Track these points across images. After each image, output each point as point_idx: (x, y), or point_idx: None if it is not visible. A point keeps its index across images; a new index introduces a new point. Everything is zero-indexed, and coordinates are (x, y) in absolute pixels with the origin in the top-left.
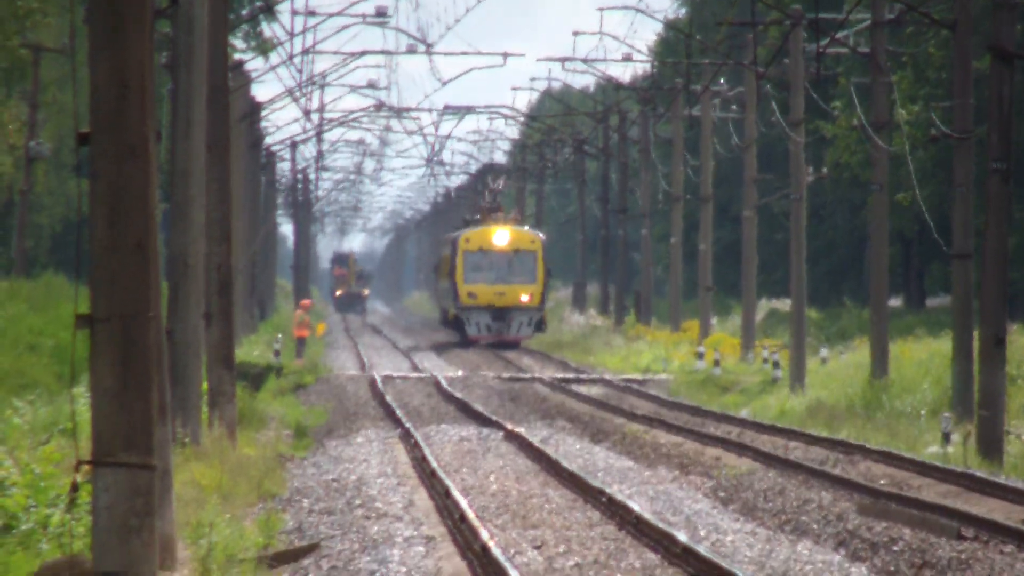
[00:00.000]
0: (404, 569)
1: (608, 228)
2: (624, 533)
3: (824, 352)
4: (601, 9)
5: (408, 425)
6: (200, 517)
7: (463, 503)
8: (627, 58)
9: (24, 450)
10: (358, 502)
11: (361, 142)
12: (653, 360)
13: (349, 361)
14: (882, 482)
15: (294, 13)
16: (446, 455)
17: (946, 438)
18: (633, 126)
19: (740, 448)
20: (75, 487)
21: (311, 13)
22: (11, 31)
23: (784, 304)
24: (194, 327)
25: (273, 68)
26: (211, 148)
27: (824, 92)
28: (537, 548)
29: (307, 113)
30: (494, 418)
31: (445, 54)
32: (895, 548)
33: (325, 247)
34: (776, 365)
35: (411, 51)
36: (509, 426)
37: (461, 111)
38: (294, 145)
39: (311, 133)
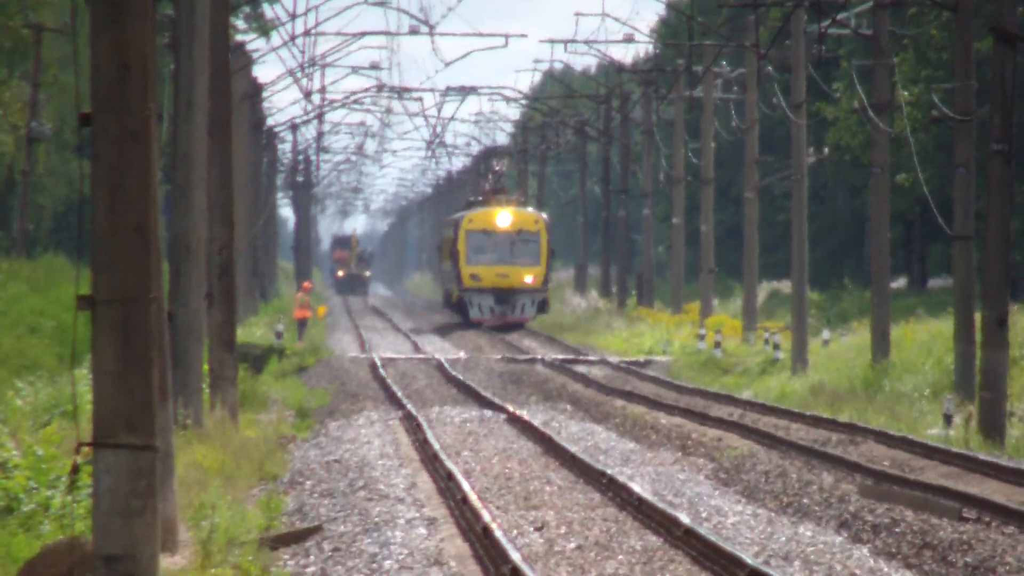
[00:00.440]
0: (406, 551)
1: (610, 210)
2: (625, 515)
3: (825, 334)
4: None
5: (410, 407)
6: (202, 499)
7: (465, 485)
8: (629, 39)
9: (25, 432)
10: (360, 484)
11: (362, 123)
12: (655, 342)
13: (351, 343)
14: (884, 464)
15: None
16: (448, 437)
17: (948, 420)
18: (635, 108)
19: (742, 430)
20: (76, 469)
21: None
22: (13, 11)
23: (785, 286)
24: (196, 309)
25: (274, 49)
26: (212, 130)
27: (826, 74)
28: (539, 530)
29: (308, 94)
30: (496, 400)
31: (447, 35)
32: (897, 530)
33: (326, 229)
34: (777, 347)
35: (413, 32)
36: (511, 408)
37: (463, 92)
38: (295, 127)
39: (312, 114)
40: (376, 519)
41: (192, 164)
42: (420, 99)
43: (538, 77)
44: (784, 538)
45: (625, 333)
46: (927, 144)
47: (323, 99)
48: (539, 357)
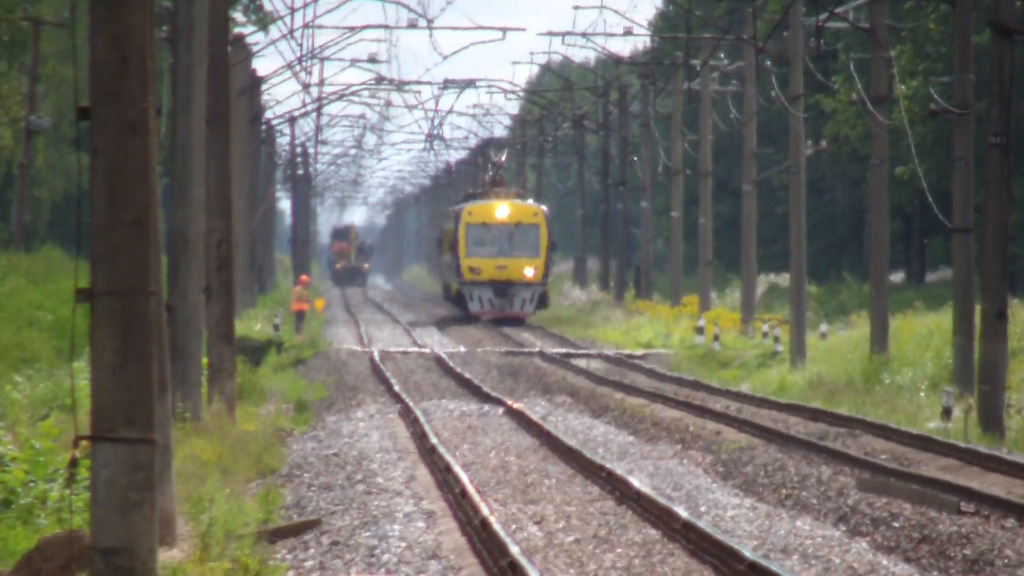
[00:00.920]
0: (404, 544)
1: (608, 203)
2: (624, 508)
3: (824, 327)
4: None
5: (408, 400)
6: (200, 492)
7: (463, 478)
8: (627, 32)
9: (23, 425)
10: (358, 477)
11: (361, 116)
12: (653, 335)
13: (349, 336)
14: (882, 457)
15: None
16: (446, 430)
17: (947, 413)
18: (633, 100)
19: (740, 423)
20: (74, 462)
21: None
22: (12, 4)
23: (784, 279)
24: (194, 302)
25: (273, 42)
26: (211, 123)
27: (824, 67)
28: (537, 523)
29: (307, 87)
30: (494, 393)
31: (445, 28)
32: (895, 523)
33: (324, 222)
34: (776, 340)
35: (412, 25)
36: (509, 401)
37: (461, 85)
38: (293, 119)
39: (311, 107)
40: (374, 512)
41: (191, 157)
42: (418, 92)
43: (536, 70)
44: (783, 531)
45: (624, 326)
46: (925, 137)
47: (321, 92)
48: (537, 350)
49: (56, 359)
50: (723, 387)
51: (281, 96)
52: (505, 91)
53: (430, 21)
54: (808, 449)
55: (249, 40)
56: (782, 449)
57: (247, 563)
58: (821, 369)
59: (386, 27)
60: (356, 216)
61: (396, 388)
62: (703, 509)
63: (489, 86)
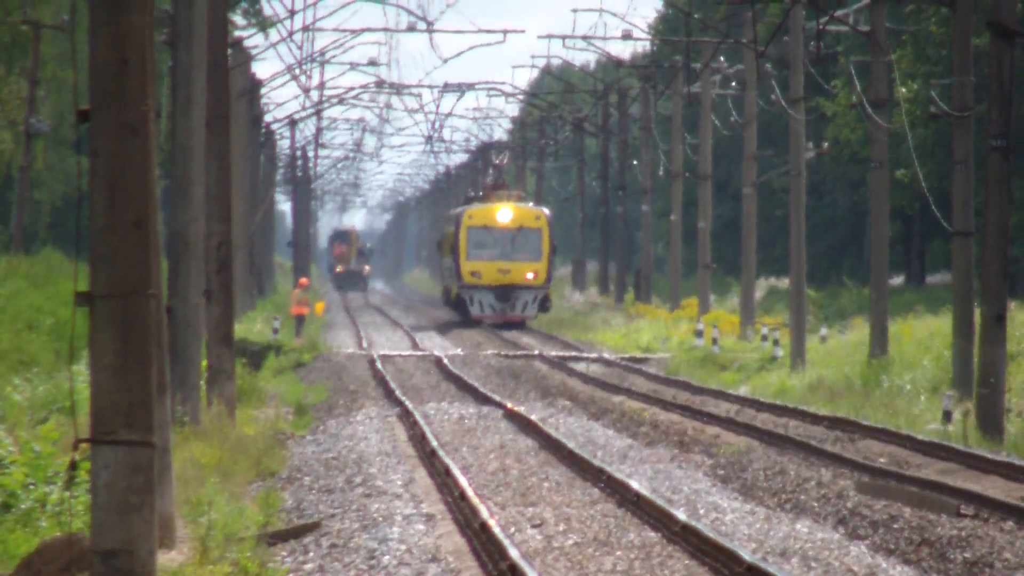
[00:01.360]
0: (404, 547)
1: (608, 206)
2: (624, 511)
3: (824, 330)
4: None
5: (408, 403)
6: (199, 495)
7: (463, 481)
8: (627, 35)
9: (23, 428)
10: (358, 480)
11: (361, 119)
12: (652, 338)
13: (349, 339)
14: (882, 460)
15: None
16: (446, 433)
17: (946, 416)
18: (633, 103)
19: (739, 426)
20: (73, 465)
21: None
22: (11, 7)
23: (783, 282)
24: (194, 305)
25: (273, 45)
26: (211, 125)
27: (824, 70)
28: (537, 526)
29: (307, 90)
30: (494, 396)
31: (445, 31)
32: (895, 526)
33: (325, 225)
34: (776, 343)
35: (411, 28)
36: (509, 404)
37: (461, 88)
38: (293, 122)
39: (311, 110)
40: (374, 515)
41: (190, 159)
42: (418, 95)
43: (536, 73)
44: (782, 534)
45: (623, 329)
46: (926, 140)
47: (321, 95)
48: (537, 353)
49: (56, 362)
50: (722, 390)
51: (281, 99)
52: (505, 94)
53: (430, 24)
54: (807, 452)
55: (249, 43)
56: (781, 452)
57: (247, 566)
58: (821, 372)
59: (386, 30)
60: (356, 219)
61: (396, 391)
62: (702, 512)
63: (489, 89)
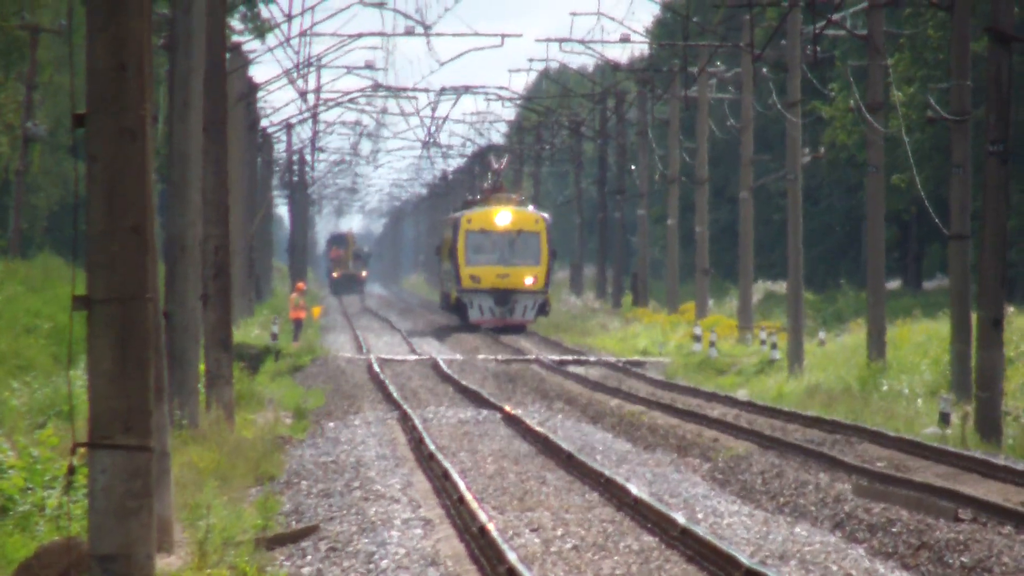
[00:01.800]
0: (402, 551)
1: (605, 210)
2: (622, 515)
3: (822, 334)
4: None
5: (406, 407)
6: (198, 499)
7: (461, 485)
8: (625, 39)
9: (21, 432)
10: (356, 484)
11: (358, 123)
12: (650, 342)
13: (347, 343)
14: (880, 464)
15: None
16: (444, 437)
17: (944, 419)
18: (630, 108)
19: (738, 430)
20: (72, 470)
21: None
22: (9, 12)
23: (780, 286)
24: (191, 309)
25: (270, 49)
26: (208, 130)
27: (821, 74)
28: (535, 530)
29: (303, 94)
30: (492, 400)
31: (443, 35)
32: (892, 530)
33: (322, 229)
34: (774, 347)
35: (409, 32)
36: (507, 408)
37: (458, 92)
38: (290, 126)
39: (307, 114)
40: (372, 519)
41: (188, 164)
42: (415, 99)
43: (533, 77)
44: (780, 538)
45: (621, 333)
46: (923, 144)
47: (318, 99)
48: (535, 357)
49: (54, 366)
50: (720, 394)
51: (278, 103)
52: (502, 98)
53: (427, 28)
54: (806, 456)
55: (246, 48)
56: (779, 456)
57: (245, 570)
58: (819, 376)
59: (383, 34)
60: (353, 224)
61: (394, 395)
62: (701, 516)
63: (486, 93)
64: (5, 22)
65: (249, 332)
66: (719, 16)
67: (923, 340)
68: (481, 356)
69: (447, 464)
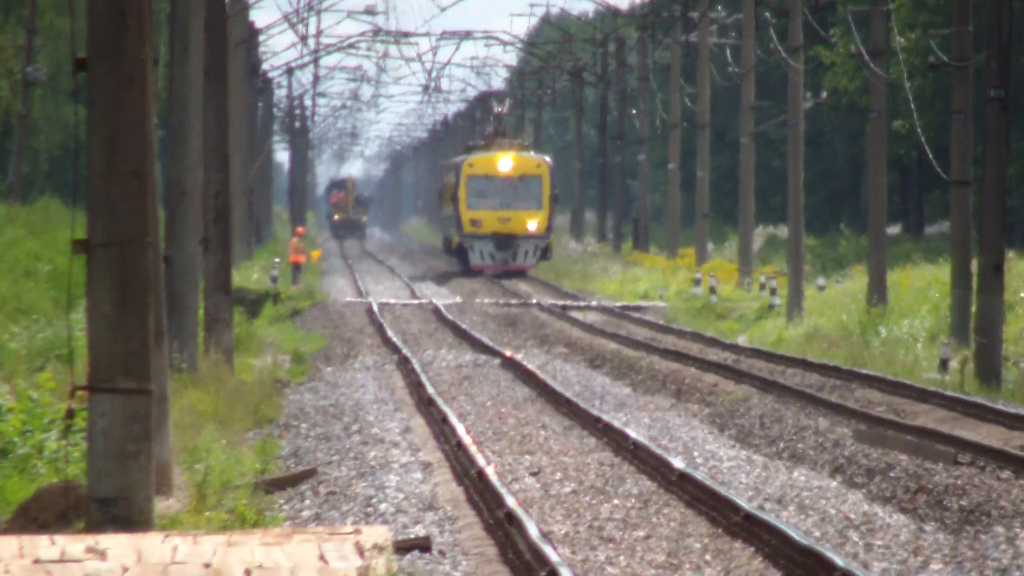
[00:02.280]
0: (401, 495)
1: (606, 155)
2: (621, 459)
3: (822, 280)
4: None
5: (405, 351)
6: (197, 443)
7: (460, 429)
8: None
9: (21, 376)
10: (355, 428)
11: (358, 68)
12: (650, 287)
13: (347, 288)
14: (879, 409)
15: None
16: (443, 381)
17: (944, 365)
18: (631, 53)
19: (737, 375)
20: (71, 413)
21: None
22: None
23: (781, 231)
24: (191, 253)
25: None
26: (208, 74)
27: (822, 19)
28: (534, 474)
29: (304, 39)
30: (491, 344)
31: None
32: (891, 474)
33: (322, 174)
34: (773, 292)
35: None
36: (507, 352)
37: (459, 37)
38: (291, 71)
39: (308, 59)
40: (371, 463)
41: (188, 108)
42: (416, 44)
43: (534, 22)
44: (779, 483)
45: (621, 278)
46: (924, 90)
47: (318, 44)
48: (535, 302)
49: (54, 310)
50: (720, 339)
51: (278, 48)
52: (503, 43)
53: None
54: (805, 401)
55: None
56: (779, 401)
57: (244, 513)
58: (818, 321)
59: None
60: (354, 169)
61: (393, 339)
62: (699, 460)
63: (487, 38)
64: None
65: (249, 276)
66: None
67: (923, 285)
68: (481, 300)
69: (446, 408)
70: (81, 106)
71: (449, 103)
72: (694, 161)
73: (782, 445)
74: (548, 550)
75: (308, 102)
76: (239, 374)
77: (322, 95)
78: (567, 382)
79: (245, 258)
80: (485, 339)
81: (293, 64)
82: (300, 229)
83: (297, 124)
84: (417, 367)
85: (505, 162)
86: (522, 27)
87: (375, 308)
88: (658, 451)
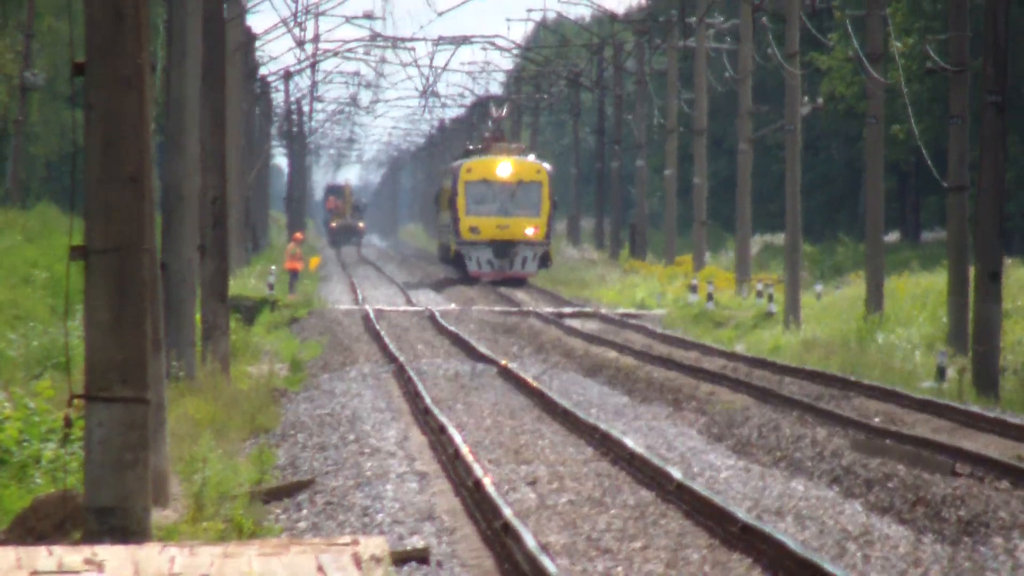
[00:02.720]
0: (398, 505)
1: (603, 161)
2: (618, 469)
3: (819, 287)
4: None
5: (402, 359)
6: (194, 452)
7: (457, 439)
8: None
9: (18, 384)
10: (352, 437)
11: (356, 73)
12: (648, 294)
13: (344, 295)
14: (877, 418)
15: None
16: (440, 390)
17: (941, 373)
18: (628, 58)
19: (734, 383)
20: (68, 422)
21: None
22: None
23: (779, 238)
24: (188, 260)
25: None
26: (206, 79)
27: (820, 24)
28: (531, 484)
29: (301, 43)
30: (488, 353)
31: None
32: (889, 484)
33: (320, 180)
34: (771, 299)
35: None
36: (503, 361)
37: (456, 42)
38: (288, 76)
39: (305, 64)
40: (368, 473)
41: (185, 113)
42: (413, 49)
43: (531, 27)
44: (776, 493)
45: (618, 285)
46: (922, 95)
47: (316, 48)
48: (532, 310)
49: (51, 317)
50: (717, 347)
51: (276, 52)
52: (500, 48)
53: None
54: (802, 410)
55: None
56: (776, 410)
57: (241, 523)
58: (816, 329)
59: None
60: (351, 174)
61: (390, 347)
62: (697, 470)
63: (484, 43)
64: None
65: (246, 283)
66: None
67: (921, 293)
68: (478, 308)
69: (443, 418)
70: (79, 111)
71: (446, 108)
72: (691, 167)
73: (779, 455)
74: (546, 561)
75: (306, 107)
76: (236, 382)
77: (319, 100)
78: (564, 391)
79: (243, 264)
80: (482, 347)
81: (291, 68)
82: (298, 235)
83: (295, 129)
84: (414, 376)
85: (504, 167)
86: (519, 32)
87: (372, 316)
88: (656, 461)
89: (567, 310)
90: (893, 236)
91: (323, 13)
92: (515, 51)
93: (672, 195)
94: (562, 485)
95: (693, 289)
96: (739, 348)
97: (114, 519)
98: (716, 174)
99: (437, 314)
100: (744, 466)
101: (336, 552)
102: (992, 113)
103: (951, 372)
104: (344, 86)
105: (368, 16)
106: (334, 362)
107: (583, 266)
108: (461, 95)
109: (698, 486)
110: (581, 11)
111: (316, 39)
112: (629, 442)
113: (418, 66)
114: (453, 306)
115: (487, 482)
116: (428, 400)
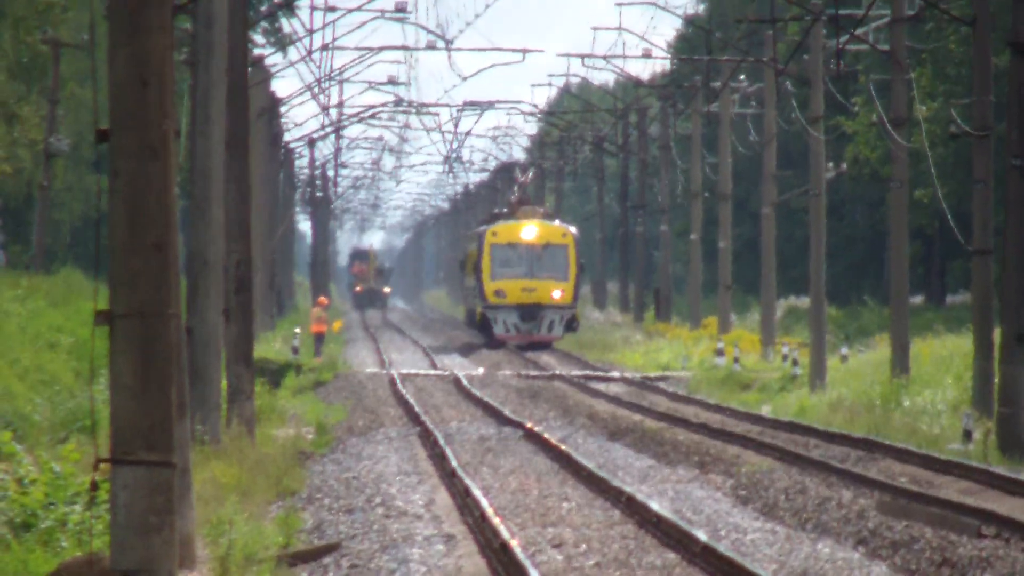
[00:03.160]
0: (424, 568)
1: (627, 225)
2: (644, 532)
3: (844, 350)
4: (619, 4)
5: (428, 422)
6: (219, 515)
7: (483, 502)
8: (646, 55)
9: (43, 448)
10: (378, 500)
11: (380, 138)
12: (673, 357)
13: (369, 358)
14: (902, 480)
15: (313, 8)
16: (466, 453)
17: (967, 435)
18: (652, 123)
19: (760, 446)
20: (94, 485)
21: (330, 8)
22: (31, 26)
23: (803, 301)
24: (213, 324)
25: (292, 64)
26: (230, 145)
27: (844, 88)
28: (557, 547)
29: (325, 109)
30: (514, 416)
31: (464, 50)
32: (915, 547)
33: (344, 244)
34: (796, 362)
35: (430, 47)
36: (529, 424)
37: (480, 107)
38: (312, 141)
39: (329, 129)
40: (394, 536)
41: (210, 179)
42: (437, 114)
43: (555, 92)
44: (803, 555)
45: (643, 348)
46: (946, 159)
47: (340, 114)
48: (557, 373)
49: (76, 381)
50: (743, 410)
51: (300, 118)
52: (524, 113)
53: (449, 42)
54: (828, 472)
55: (268, 62)
56: (802, 472)
57: None
58: (841, 392)
59: (405, 48)
60: (375, 239)
61: (416, 410)
62: (723, 533)
63: (508, 108)
64: (28, 36)
65: (270, 347)
66: (741, 31)
67: (946, 355)
68: (503, 372)
69: (469, 481)
70: (103, 177)
71: (470, 172)
72: (716, 231)
73: (805, 516)
74: None
75: (330, 172)
76: (261, 445)
77: (344, 165)
78: (589, 454)
79: (267, 328)
80: (507, 411)
81: (315, 134)
82: (323, 299)
83: (319, 194)
84: (440, 439)
85: (529, 230)
86: (542, 97)
87: (397, 379)
88: (681, 523)
89: (592, 373)
90: (918, 299)
91: (347, 79)
92: (539, 116)
93: (697, 259)
94: (588, 547)
95: (720, 352)
96: (765, 411)
97: None
98: (739, 237)
99: (462, 378)
100: (771, 528)
101: None
102: (1016, 177)
103: (976, 434)
104: (368, 151)
105: (392, 81)
106: (360, 425)
107: (608, 329)
108: (485, 160)
109: (724, 548)
110: (605, 76)
111: (340, 104)
112: (655, 505)
113: (442, 131)
114: (479, 370)
115: (514, 544)
116: (454, 463)
